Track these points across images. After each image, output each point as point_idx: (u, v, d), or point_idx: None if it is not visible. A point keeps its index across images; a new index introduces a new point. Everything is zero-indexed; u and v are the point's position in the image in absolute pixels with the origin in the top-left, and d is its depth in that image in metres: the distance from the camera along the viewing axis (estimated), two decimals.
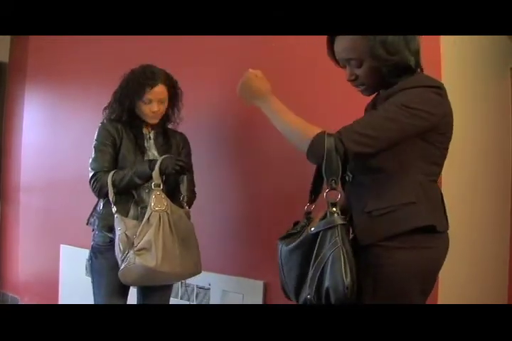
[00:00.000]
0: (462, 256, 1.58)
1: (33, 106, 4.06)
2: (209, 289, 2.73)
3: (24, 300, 3.91)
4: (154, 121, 2.25)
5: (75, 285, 3.40)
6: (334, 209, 1.41)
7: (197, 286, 2.78)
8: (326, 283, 1.36)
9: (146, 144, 2.26)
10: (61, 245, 3.58)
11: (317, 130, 1.45)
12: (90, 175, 2.18)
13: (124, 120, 2.23)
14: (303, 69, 2.40)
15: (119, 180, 2.11)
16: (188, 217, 2.20)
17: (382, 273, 1.42)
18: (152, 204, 2.02)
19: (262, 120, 2.56)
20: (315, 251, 1.42)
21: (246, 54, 2.66)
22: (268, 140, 2.54)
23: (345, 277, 1.33)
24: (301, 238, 1.49)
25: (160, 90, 2.19)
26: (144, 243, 1.96)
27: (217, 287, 2.70)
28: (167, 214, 2.03)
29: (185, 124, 2.42)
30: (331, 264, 1.36)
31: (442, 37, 2.04)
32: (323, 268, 1.38)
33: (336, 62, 1.62)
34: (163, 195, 2.06)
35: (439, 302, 1.58)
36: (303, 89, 2.37)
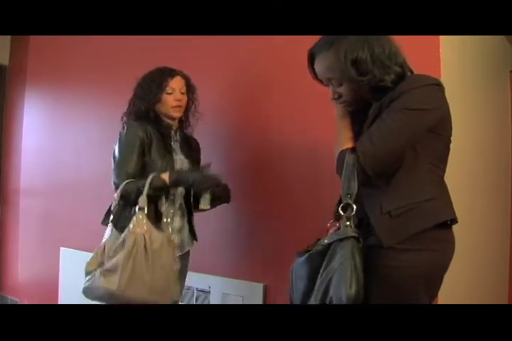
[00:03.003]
0: (462, 256, 1.57)
1: (33, 108, 4.06)
2: (209, 292, 2.73)
3: (23, 302, 3.90)
4: (178, 114, 2.25)
5: (75, 288, 3.37)
6: (348, 222, 1.45)
7: (197, 289, 2.77)
8: (330, 293, 1.37)
9: (173, 147, 2.26)
10: (61, 248, 3.57)
11: (345, 146, 1.50)
12: (120, 186, 2.10)
13: (150, 118, 2.20)
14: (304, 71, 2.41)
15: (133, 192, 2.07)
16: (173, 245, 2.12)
17: (390, 274, 1.43)
18: (131, 226, 1.97)
19: (269, 125, 2.60)
20: (324, 262, 1.43)
21: (250, 59, 2.67)
22: (275, 145, 2.55)
23: (350, 288, 1.34)
24: (313, 250, 1.49)
25: (180, 80, 2.25)
26: (111, 265, 1.92)
27: (217, 290, 2.70)
28: (144, 238, 1.95)
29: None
30: (338, 275, 1.37)
31: (442, 38, 2.05)
32: (330, 279, 1.39)
33: (320, 81, 1.64)
34: (146, 220, 2.00)
35: (439, 303, 1.57)
36: (305, 91, 2.38)
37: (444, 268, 1.51)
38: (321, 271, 1.43)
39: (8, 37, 4.24)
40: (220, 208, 2.70)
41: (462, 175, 2.18)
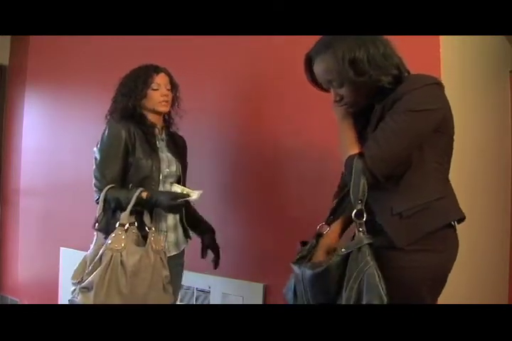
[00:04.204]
0: (462, 256, 1.57)
1: (33, 109, 4.06)
2: (209, 292, 2.73)
3: (24, 302, 3.90)
4: (165, 108, 2.23)
5: None
6: (361, 229, 1.44)
7: (197, 289, 2.77)
8: (365, 300, 1.37)
9: (158, 145, 2.23)
10: (61, 248, 3.57)
11: (352, 151, 1.49)
12: (99, 191, 2.08)
13: (135, 117, 2.18)
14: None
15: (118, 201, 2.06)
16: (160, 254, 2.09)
17: (399, 275, 1.43)
18: (109, 241, 1.96)
19: (269, 126, 2.60)
20: (347, 273, 1.42)
21: (250, 59, 2.67)
22: (274, 145, 2.55)
23: (384, 294, 1.35)
24: (330, 262, 1.48)
25: (165, 77, 2.25)
26: (87, 283, 1.92)
27: (217, 290, 2.70)
28: (121, 254, 1.95)
29: (187, 130, 2.41)
30: (366, 283, 1.37)
31: (442, 38, 2.05)
32: (358, 287, 1.39)
33: (315, 84, 1.64)
34: (124, 236, 1.99)
35: (439, 303, 1.57)
36: (305, 91, 2.38)
37: (449, 269, 1.51)
38: (345, 280, 1.42)
39: (8, 37, 4.25)
40: (220, 208, 2.71)
41: (462, 175, 2.18)
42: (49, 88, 3.93)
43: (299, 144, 2.45)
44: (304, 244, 1.67)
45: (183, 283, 2.62)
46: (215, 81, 2.78)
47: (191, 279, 2.71)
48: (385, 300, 1.34)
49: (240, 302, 2.58)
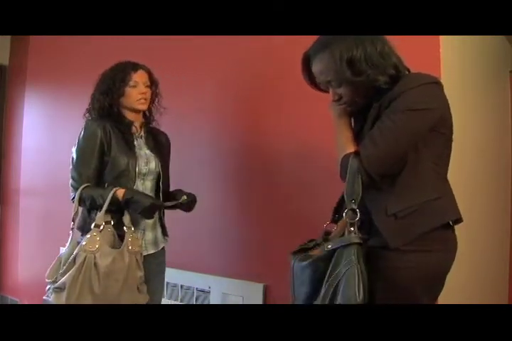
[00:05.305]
0: (462, 256, 1.57)
1: (32, 109, 4.06)
2: (209, 292, 2.73)
3: (23, 302, 3.90)
4: (144, 106, 2.23)
5: None
6: (352, 228, 1.43)
7: (197, 289, 2.77)
8: (339, 300, 1.36)
9: (136, 143, 2.22)
10: (61, 248, 3.55)
11: (348, 150, 1.49)
12: (76, 190, 2.08)
13: (112, 115, 2.18)
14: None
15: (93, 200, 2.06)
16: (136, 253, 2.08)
17: (395, 275, 1.42)
18: (83, 243, 1.97)
19: (268, 126, 2.60)
20: (329, 269, 1.42)
21: (250, 59, 2.67)
22: (272, 145, 2.56)
23: (358, 295, 1.33)
24: (317, 255, 1.49)
25: (144, 74, 2.23)
26: (60, 283, 1.94)
27: (217, 290, 2.70)
28: (94, 256, 1.95)
29: (187, 130, 2.42)
30: (345, 282, 1.36)
31: (442, 38, 2.05)
32: (336, 285, 1.38)
33: (313, 85, 1.63)
34: (99, 237, 1.98)
35: (439, 303, 1.57)
36: (306, 91, 2.38)
37: (447, 268, 1.50)
38: (327, 276, 1.42)
39: (8, 37, 4.25)
40: (220, 209, 2.71)
41: (462, 175, 2.18)
42: (49, 88, 3.93)
43: (299, 144, 2.45)
44: (311, 241, 1.67)
45: (183, 283, 2.63)
46: (215, 81, 2.78)
47: (191, 279, 2.72)
48: (360, 302, 1.33)
49: (240, 302, 2.58)
